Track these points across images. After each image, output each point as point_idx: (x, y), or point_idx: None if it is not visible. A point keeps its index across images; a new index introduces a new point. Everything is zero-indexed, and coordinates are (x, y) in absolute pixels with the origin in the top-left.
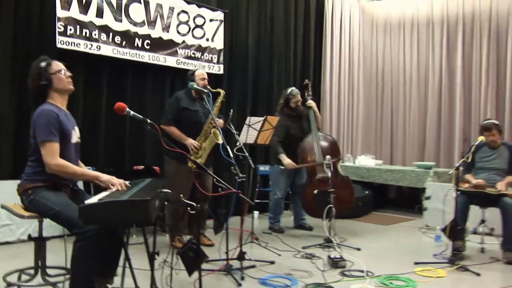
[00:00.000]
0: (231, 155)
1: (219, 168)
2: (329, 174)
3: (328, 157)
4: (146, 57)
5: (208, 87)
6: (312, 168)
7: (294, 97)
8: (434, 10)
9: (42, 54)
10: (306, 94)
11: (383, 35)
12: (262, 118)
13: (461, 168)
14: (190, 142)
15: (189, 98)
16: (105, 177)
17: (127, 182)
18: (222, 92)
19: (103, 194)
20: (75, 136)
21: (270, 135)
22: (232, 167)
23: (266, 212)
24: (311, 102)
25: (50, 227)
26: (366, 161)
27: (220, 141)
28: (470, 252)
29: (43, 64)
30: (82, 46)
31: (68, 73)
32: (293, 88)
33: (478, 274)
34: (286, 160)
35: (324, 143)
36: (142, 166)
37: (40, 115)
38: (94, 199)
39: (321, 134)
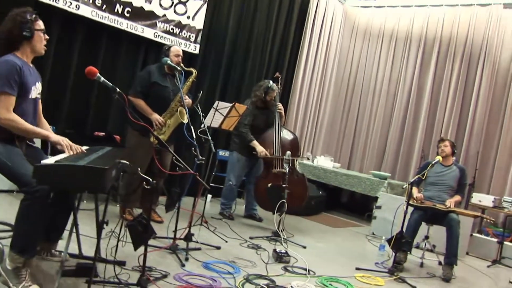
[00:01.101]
0: (194, 136)
1: (180, 147)
2: (287, 170)
3: (288, 152)
4: (124, 24)
5: (182, 65)
6: (269, 161)
7: (272, 92)
8: (414, 26)
9: (18, 2)
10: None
11: (361, 42)
12: (230, 104)
13: (414, 184)
14: (156, 117)
15: (161, 73)
16: (54, 138)
17: (84, 148)
18: (194, 71)
19: (61, 156)
20: (35, 91)
21: (235, 122)
22: (193, 148)
23: (219, 197)
24: (280, 107)
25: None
26: (324, 162)
27: (185, 120)
28: (410, 265)
29: (30, 16)
30: (61, 2)
31: (47, 37)
32: (272, 83)
33: (414, 287)
34: (259, 147)
35: (286, 139)
36: (103, 133)
37: (1, 64)
38: (51, 160)
39: (285, 130)
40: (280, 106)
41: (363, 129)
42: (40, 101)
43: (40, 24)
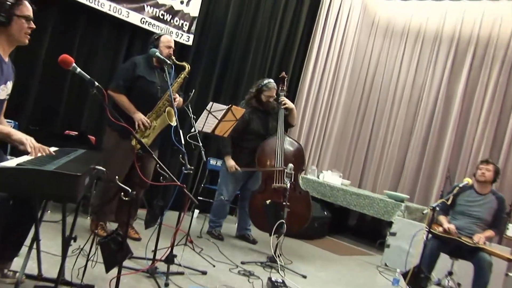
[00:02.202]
0: (183, 141)
1: (165, 153)
2: (288, 185)
3: (290, 165)
4: (107, 6)
5: (173, 58)
6: (269, 174)
7: (268, 91)
8: (446, 24)
9: None
10: (280, 88)
11: (382, 40)
12: (226, 107)
13: (437, 209)
14: (139, 117)
15: (148, 66)
16: (16, 135)
17: (52, 149)
18: (187, 66)
19: (24, 158)
20: (4, 92)
21: (230, 128)
22: (181, 156)
23: (208, 213)
24: (285, 101)
25: None
26: (331, 178)
27: (174, 123)
28: None
29: None
30: None
31: (32, 26)
32: (271, 80)
33: None
34: (229, 162)
35: (289, 149)
36: (76, 133)
37: None
38: (11, 163)
39: (289, 139)
40: (283, 100)
41: (378, 142)
42: (5, 102)
43: (24, 10)
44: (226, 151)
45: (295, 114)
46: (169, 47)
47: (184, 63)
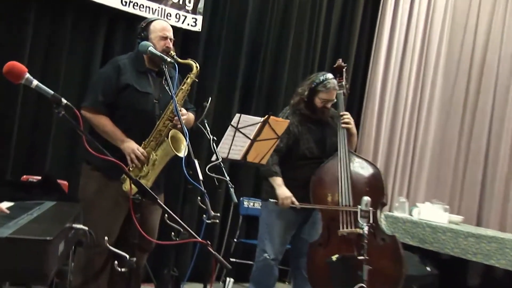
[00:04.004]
0: (200, 176)
1: (175, 196)
2: (364, 230)
3: (365, 199)
4: None
5: (173, 53)
6: (332, 214)
7: (326, 92)
8: None
9: None
10: (337, 83)
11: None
12: (261, 119)
13: None
14: (131, 147)
15: (138, 69)
16: None
17: (4, 205)
18: (195, 65)
19: None
20: None
21: (270, 150)
22: (199, 198)
23: (247, 281)
24: (348, 119)
25: None
26: (432, 213)
27: (183, 152)
28: None
29: None
30: None
31: None
32: (330, 76)
33: None
34: (281, 190)
35: (360, 175)
36: (38, 177)
37: None
38: None
39: (358, 159)
40: (346, 117)
41: (499, 158)
42: None
43: None
44: (273, 171)
45: (355, 140)
46: (165, 37)
47: (189, 61)
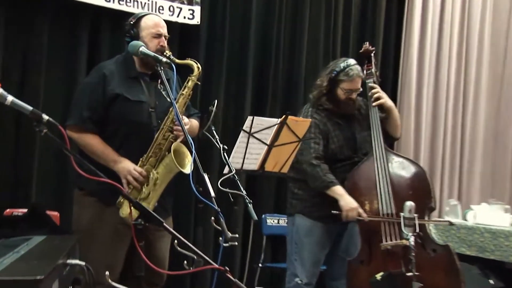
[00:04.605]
0: (212, 193)
1: (185, 218)
2: (410, 241)
3: (409, 204)
4: None
5: (169, 53)
6: (372, 225)
7: (350, 80)
8: None
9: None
10: (365, 70)
11: None
12: (277, 120)
13: None
14: (126, 168)
15: (127, 74)
16: None
17: None
18: (196, 66)
19: None
20: None
21: (291, 156)
22: (213, 219)
23: None
24: (377, 92)
25: None
26: (491, 215)
27: (188, 168)
28: None
29: None
30: None
31: None
32: (352, 61)
33: None
34: (345, 199)
35: (401, 176)
36: (25, 210)
37: None
38: None
39: (397, 158)
40: (375, 91)
41: None
42: None
43: None
44: (329, 181)
45: (397, 117)
46: (159, 34)
47: (189, 61)
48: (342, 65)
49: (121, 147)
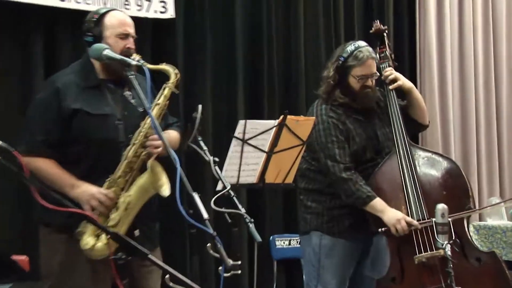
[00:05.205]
0: (205, 214)
1: (178, 246)
2: (447, 251)
3: (441, 207)
4: None
5: (137, 57)
6: (404, 236)
7: (361, 64)
8: None
9: None
10: (377, 54)
11: None
12: (274, 122)
13: None
14: (87, 192)
15: (87, 84)
16: None
17: None
18: (173, 72)
19: None
20: None
21: (296, 162)
22: (209, 245)
23: None
24: (391, 73)
25: None
26: None
27: (166, 190)
28: None
29: None
30: None
31: None
32: (362, 44)
33: None
34: (388, 213)
35: (432, 175)
36: None
37: None
38: None
39: (424, 153)
40: (388, 72)
41: None
42: None
43: None
44: (367, 195)
45: (421, 99)
46: (125, 34)
47: (164, 66)
48: (349, 48)
49: (88, 172)
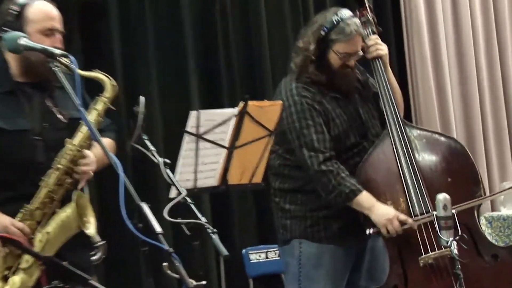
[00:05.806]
0: (157, 227)
1: (128, 267)
2: (453, 250)
3: (442, 198)
4: None
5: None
6: (405, 234)
7: (347, 40)
8: None
9: None
10: (359, 17)
11: None
12: (233, 111)
13: None
14: None
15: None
16: None
17: None
18: (109, 82)
19: None
20: None
21: (263, 157)
22: (165, 264)
23: None
24: (377, 43)
25: None
26: None
27: (91, 228)
28: None
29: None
30: None
31: None
32: (347, 12)
33: None
34: (377, 209)
35: (433, 160)
36: None
37: None
38: None
39: (422, 132)
40: (373, 42)
41: None
42: None
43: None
44: (352, 188)
45: (396, 87)
46: (52, 30)
47: (96, 74)
48: (334, 18)
49: (3, 200)
